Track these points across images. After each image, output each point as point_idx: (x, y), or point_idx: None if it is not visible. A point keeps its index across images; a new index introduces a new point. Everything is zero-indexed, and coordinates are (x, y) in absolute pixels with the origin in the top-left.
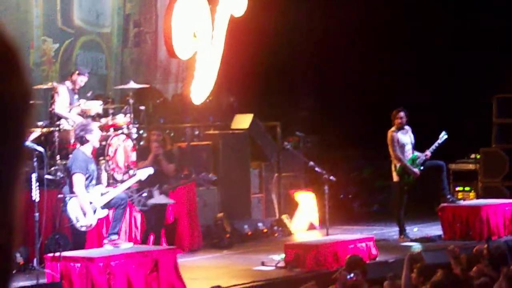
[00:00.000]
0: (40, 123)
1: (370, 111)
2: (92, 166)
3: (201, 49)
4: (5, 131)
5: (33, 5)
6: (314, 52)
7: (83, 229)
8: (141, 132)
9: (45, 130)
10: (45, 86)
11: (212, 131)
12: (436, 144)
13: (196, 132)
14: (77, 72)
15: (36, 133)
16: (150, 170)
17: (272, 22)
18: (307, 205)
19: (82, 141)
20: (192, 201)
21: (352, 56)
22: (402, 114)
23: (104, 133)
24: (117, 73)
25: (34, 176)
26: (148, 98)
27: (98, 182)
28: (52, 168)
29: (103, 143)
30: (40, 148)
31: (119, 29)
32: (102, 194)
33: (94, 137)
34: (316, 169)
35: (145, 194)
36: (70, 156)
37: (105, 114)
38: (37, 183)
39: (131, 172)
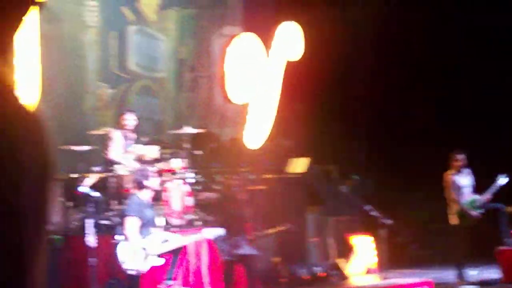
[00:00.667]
0: (96, 169)
1: (429, 153)
2: (149, 212)
3: (257, 93)
4: (28, 198)
5: (88, 50)
6: (369, 93)
7: (132, 273)
8: (197, 177)
9: (100, 175)
10: (100, 132)
11: (268, 175)
12: (496, 186)
13: (252, 177)
14: (122, 114)
15: (92, 178)
16: (220, 231)
17: (328, 64)
18: (363, 248)
19: (140, 186)
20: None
21: (410, 97)
22: (460, 157)
23: (160, 178)
24: (172, 117)
25: (90, 222)
26: (204, 143)
27: (156, 227)
28: (108, 213)
29: (159, 188)
30: (96, 194)
31: (174, 74)
32: (162, 242)
33: (151, 183)
34: (372, 213)
35: (230, 244)
36: (127, 201)
37: (161, 159)
38: (94, 229)
39: (186, 217)
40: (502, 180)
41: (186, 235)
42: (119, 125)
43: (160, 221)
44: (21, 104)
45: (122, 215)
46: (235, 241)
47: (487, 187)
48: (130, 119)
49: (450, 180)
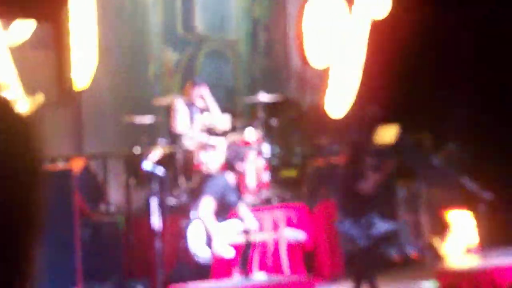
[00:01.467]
0: (161, 143)
1: None
2: (233, 197)
3: (339, 56)
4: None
5: (151, 12)
6: (469, 48)
7: (201, 259)
8: (274, 149)
9: (166, 150)
10: (165, 101)
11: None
12: None
13: (335, 148)
14: (190, 83)
15: (156, 153)
16: (301, 235)
17: (422, 21)
18: (462, 225)
19: (230, 167)
20: (332, 227)
21: None
22: None
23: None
24: (246, 84)
25: (155, 201)
26: (282, 111)
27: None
28: (175, 192)
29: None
30: (161, 170)
31: (247, 35)
32: (239, 233)
33: (246, 167)
34: (470, 186)
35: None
36: (210, 178)
37: (233, 129)
38: (159, 209)
39: (263, 194)
40: None
41: (263, 224)
42: (185, 94)
43: (243, 209)
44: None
45: (198, 193)
46: (364, 220)
47: None
48: (201, 93)
49: None
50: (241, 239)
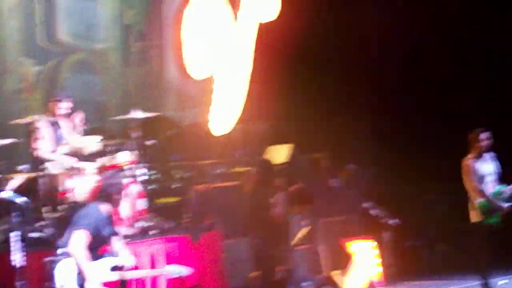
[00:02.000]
0: (22, 168)
1: (441, 135)
2: (107, 230)
3: (222, 66)
4: None
5: (7, 18)
6: (370, 67)
7: None
8: (151, 172)
9: (28, 176)
10: (24, 121)
11: (240, 168)
12: None
13: (220, 171)
14: (53, 99)
15: (16, 180)
16: (185, 270)
17: (312, 26)
18: (364, 256)
19: (105, 196)
20: (217, 257)
21: (414, 63)
22: (484, 136)
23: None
24: (117, 99)
25: (15, 235)
26: (158, 130)
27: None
28: (38, 224)
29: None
30: (22, 199)
31: (118, 44)
32: (113, 269)
33: (121, 195)
34: (372, 211)
35: None
36: (82, 209)
37: (104, 152)
38: (21, 244)
39: (139, 224)
40: None
41: (142, 266)
42: (49, 112)
43: (117, 243)
44: None
45: (66, 225)
46: None
47: None
48: (64, 108)
49: (468, 168)
50: (115, 277)
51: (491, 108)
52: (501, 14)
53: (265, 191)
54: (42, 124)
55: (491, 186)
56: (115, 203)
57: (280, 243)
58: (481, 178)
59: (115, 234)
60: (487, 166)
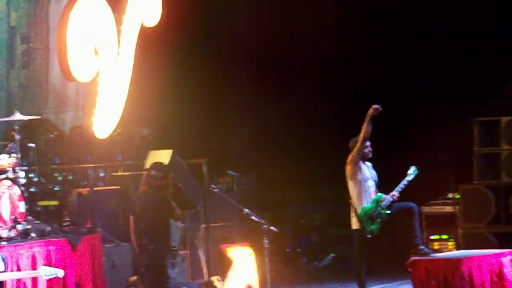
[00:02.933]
0: None
1: (323, 141)
2: None
3: (105, 69)
4: None
5: None
6: (251, 71)
7: None
8: (31, 175)
9: None
10: None
11: (121, 172)
12: (404, 182)
13: (102, 174)
14: None
15: None
16: (60, 273)
17: (194, 29)
18: (243, 263)
19: None
20: (97, 261)
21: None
22: (368, 143)
23: None
24: (1, 101)
25: None
26: (40, 132)
27: None
28: None
29: None
30: None
31: (3, 45)
32: None
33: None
34: (253, 217)
35: None
36: None
37: None
38: None
39: (19, 227)
40: (413, 173)
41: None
42: None
43: None
44: None
45: None
46: None
47: (395, 183)
48: None
49: (354, 162)
50: None
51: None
52: None
53: (156, 194)
54: None
55: (371, 192)
56: None
57: (161, 247)
58: (362, 182)
59: None
60: (369, 172)
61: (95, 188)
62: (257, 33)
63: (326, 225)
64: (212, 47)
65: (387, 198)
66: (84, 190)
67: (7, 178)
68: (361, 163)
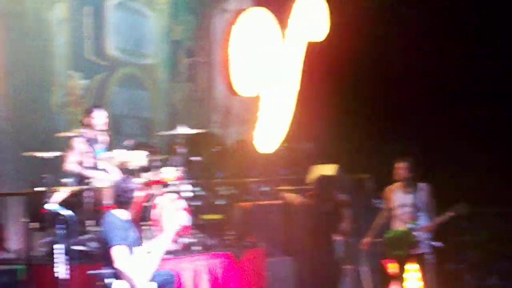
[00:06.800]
0: (67, 181)
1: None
2: (133, 234)
3: (269, 84)
4: None
5: (56, 31)
6: (414, 89)
7: None
8: (195, 189)
9: (73, 189)
10: (71, 134)
11: (285, 186)
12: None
13: (265, 188)
14: (88, 112)
15: (62, 193)
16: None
17: (360, 46)
18: (407, 278)
19: (124, 203)
20: (261, 275)
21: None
22: (400, 165)
23: (148, 192)
24: (165, 115)
25: (59, 248)
26: (204, 146)
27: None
28: (83, 237)
29: (146, 204)
30: (67, 212)
31: (167, 59)
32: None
33: (134, 199)
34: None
35: None
36: (103, 222)
37: (149, 167)
38: (65, 256)
39: (183, 240)
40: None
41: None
42: (85, 125)
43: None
44: None
45: (102, 241)
46: None
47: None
48: (99, 117)
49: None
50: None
51: None
52: None
53: (323, 206)
54: (76, 141)
55: (407, 217)
56: (130, 207)
57: (326, 262)
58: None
59: (139, 239)
60: (404, 197)
61: (258, 202)
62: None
63: (493, 241)
64: (379, 63)
65: (418, 228)
66: (248, 204)
67: (172, 192)
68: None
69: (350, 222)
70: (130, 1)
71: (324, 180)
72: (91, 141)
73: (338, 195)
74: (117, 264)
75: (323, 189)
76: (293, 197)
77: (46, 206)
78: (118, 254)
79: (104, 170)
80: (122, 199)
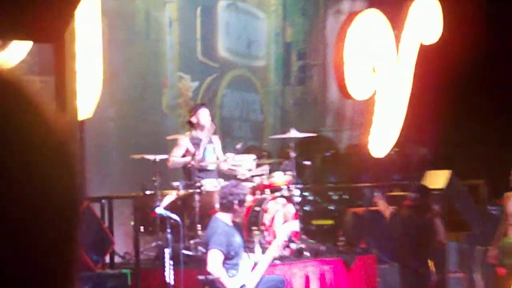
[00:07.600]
0: (175, 184)
1: None
2: (238, 239)
3: (383, 87)
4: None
5: (167, 32)
6: None
7: None
8: (306, 194)
9: (182, 192)
10: (182, 136)
11: (397, 192)
12: None
13: (377, 194)
14: (193, 111)
15: (171, 196)
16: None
17: (476, 49)
18: None
19: (228, 207)
20: (371, 281)
21: None
22: None
23: (259, 196)
24: (276, 118)
25: (168, 252)
26: (316, 150)
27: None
28: (192, 241)
29: (257, 208)
30: (176, 216)
31: (278, 61)
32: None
33: (244, 204)
34: None
35: None
36: (208, 226)
37: (259, 171)
38: (173, 261)
39: (293, 246)
40: None
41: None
42: (191, 125)
43: (257, 250)
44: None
45: (205, 244)
46: None
47: None
48: (204, 117)
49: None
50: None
51: None
52: None
53: (421, 217)
54: (182, 141)
55: None
56: (237, 213)
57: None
58: None
59: (244, 243)
60: None
61: (370, 208)
62: None
63: None
64: (496, 66)
65: None
66: (360, 210)
67: (282, 196)
68: None
69: (444, 234)
70: (242, 2)
71: (425, 191)
72: (199, 142)
73: (435, 206)
74: (209, 268)
75: (423, 201)
76: (385, 206)
77: (157, 210)
78: (211, 258)
79: (218, 171)
80: (226, 203)
